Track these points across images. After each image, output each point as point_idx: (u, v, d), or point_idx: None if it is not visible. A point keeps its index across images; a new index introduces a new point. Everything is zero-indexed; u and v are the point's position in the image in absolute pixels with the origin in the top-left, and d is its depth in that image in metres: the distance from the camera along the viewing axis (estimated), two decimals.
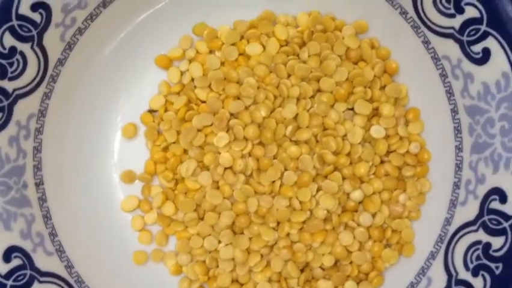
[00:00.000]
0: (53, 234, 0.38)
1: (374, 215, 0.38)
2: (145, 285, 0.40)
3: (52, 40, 0.36)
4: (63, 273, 0.37)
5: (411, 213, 0.39)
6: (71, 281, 0.37)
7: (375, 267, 0.39)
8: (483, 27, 0.34)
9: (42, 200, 0.38)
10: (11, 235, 0.35)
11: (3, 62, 0.35)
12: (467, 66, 0.35)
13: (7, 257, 0.35)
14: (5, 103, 0.35)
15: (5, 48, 0.35)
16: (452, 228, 0.37)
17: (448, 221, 0.37)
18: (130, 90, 0.40)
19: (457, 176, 0.37)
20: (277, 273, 0.38)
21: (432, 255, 0.37)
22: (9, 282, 0.35)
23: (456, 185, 0.37)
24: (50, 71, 0.37)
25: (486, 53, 0.34)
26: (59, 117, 0.38)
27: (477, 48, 0.35)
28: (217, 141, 0.38)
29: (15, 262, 0.35)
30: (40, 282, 0.36)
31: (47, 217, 0.38)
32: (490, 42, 0.34)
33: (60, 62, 0.38)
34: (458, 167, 0.37)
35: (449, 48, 0.36)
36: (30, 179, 0.37)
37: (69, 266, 0.38)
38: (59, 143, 0.39)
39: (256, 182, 0.38)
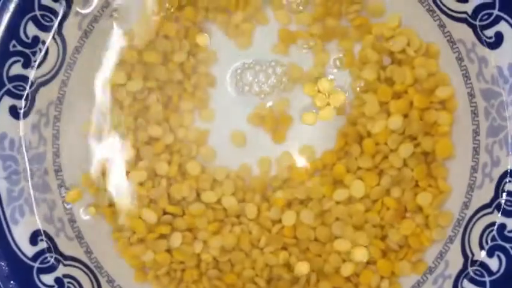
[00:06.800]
0: (72, 221, 0.45)
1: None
2: None
3: (71, 29, 0.43)
4: (83, 258, 0.44)
5: None
6: (92, 266, 0.44)
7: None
8: (495, 12, 0.40)
9: (61, 186, 0.45)
10: (37, 219, 0.43)
11: (27, 51, 0.42)
12: (481, 50, 0.41)
13: (34, 240, 0.42)
14: (28, 91, 0.42)
15: (28, 38, 0.42)
16: (469, 212, 0.42)
17: (465, 205, 0.42)
18: None
19: (474, 160, 0.42)
20: None
21: (451, 240, 0.43)
22: (36, 265, 0.42)
23: (473, 169, 0.42)
24: (67, 59, 0.44)
25: (499, 37, 0.40)
26: (75, 104, 0.45)
27: (490, 32, 0.40)
28: None
29: (41, 245, 0.43)
30: (65, 265, 0.43)
31: (66, 203, 0.44)
32: (503, 27, 0.40)
33: (77, 50, 0.44)
34: (476, 151, 0.42)
35: (463, 32, 0.41)
36: (50, 165, 0.44)
37: (88, 252, 0.44)
38: (76, 130, 0.45)
39: None
